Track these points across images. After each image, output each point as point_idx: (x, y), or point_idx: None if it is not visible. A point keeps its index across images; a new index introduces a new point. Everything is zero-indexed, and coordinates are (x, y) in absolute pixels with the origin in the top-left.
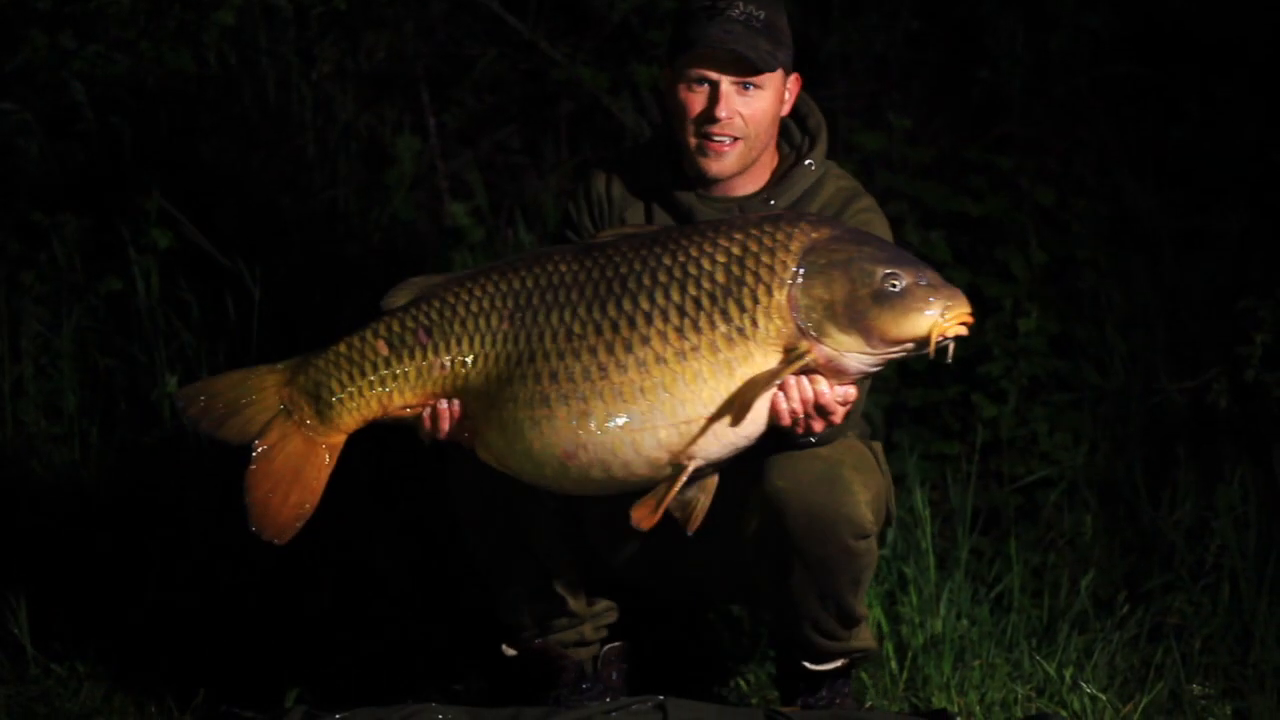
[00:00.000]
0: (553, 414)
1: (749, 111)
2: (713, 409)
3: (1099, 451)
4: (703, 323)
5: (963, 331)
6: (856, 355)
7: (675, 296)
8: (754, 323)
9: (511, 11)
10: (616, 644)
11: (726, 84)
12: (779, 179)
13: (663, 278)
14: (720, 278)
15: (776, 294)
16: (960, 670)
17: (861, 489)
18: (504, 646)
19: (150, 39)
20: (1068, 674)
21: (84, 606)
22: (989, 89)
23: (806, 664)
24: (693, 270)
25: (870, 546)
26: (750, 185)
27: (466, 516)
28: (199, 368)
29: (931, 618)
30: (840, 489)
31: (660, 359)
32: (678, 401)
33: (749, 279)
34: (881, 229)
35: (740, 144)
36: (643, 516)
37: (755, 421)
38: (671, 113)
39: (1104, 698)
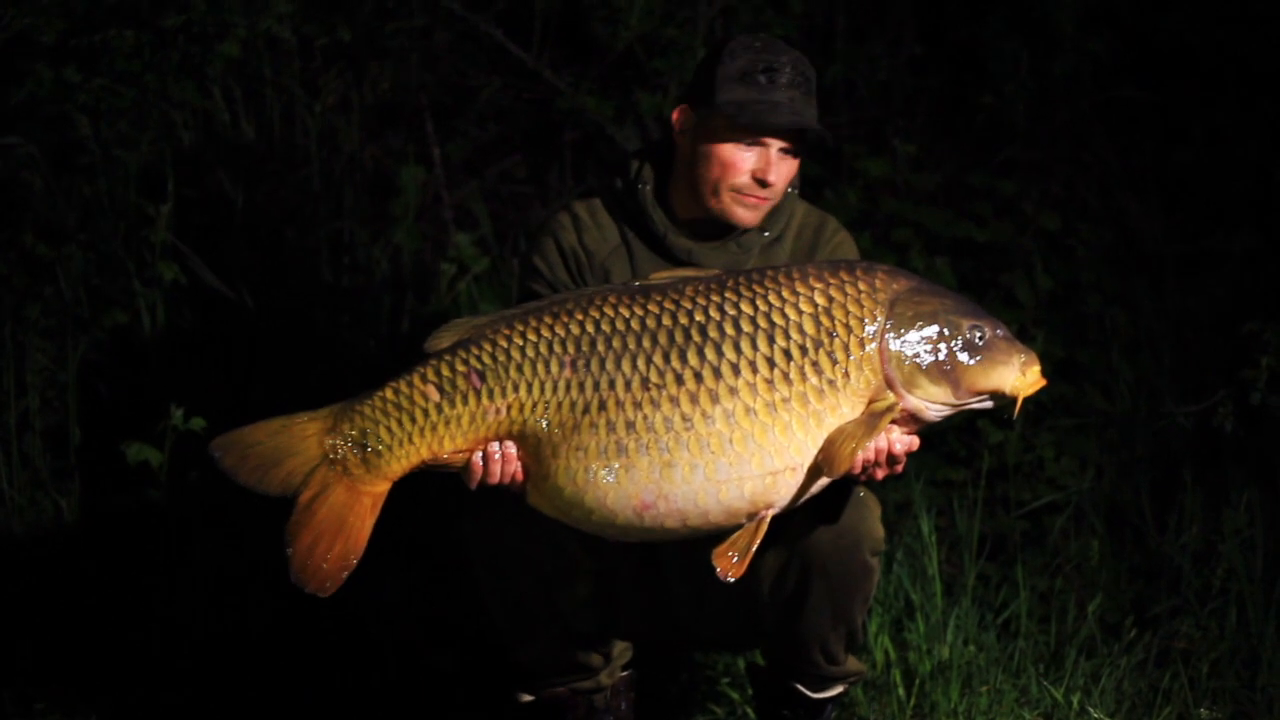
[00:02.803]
0: (632, 464)
1: (785, 174)
2: (799, 460)
3: (1105, 476)
4: (794, 375)
5: (1040, 386)
6: (939, 406)
7: (763, 348)
8: (846, 375)
9: (515, 41)
10: (625, 674)
11: (776, 149)
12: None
13: (746, 327)
14: (809, 329)
15: (869, 346)
16: (968, 697)
17: (875, 506)
18: (519, 694)
19: (155, 72)
20: (1075, 699)
21: (91, 639)
22: (992, 114)
23: (808, 693)
24: (778, 320)
25: (879, 564)
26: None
27: (491, 578)
28: (205, 401)
29: (938, 644)
30: (860, 507)
31: (750, 411)
32: (766, 453)
33: (840, 331)
34: (852, 250)
35: (769, 203)
36: (729, 567)
37: (833, 471)
38: (701, 157)
39: None
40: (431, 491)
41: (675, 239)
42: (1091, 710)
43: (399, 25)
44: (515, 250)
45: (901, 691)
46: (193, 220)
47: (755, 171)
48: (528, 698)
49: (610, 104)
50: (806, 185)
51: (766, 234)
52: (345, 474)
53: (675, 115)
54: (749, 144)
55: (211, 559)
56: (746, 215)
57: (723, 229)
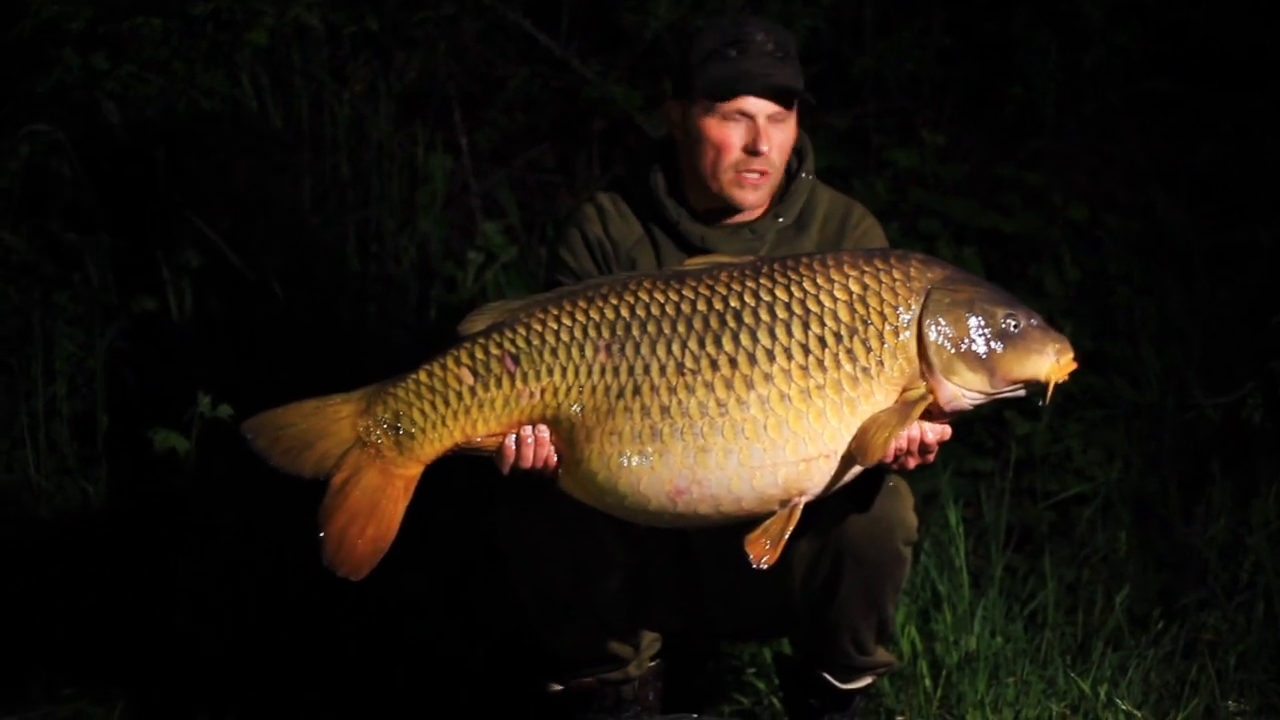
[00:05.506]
0: (667, 449)
1: (779, 142)
2: (833, 447)
3: (1133, 468)
4: (828, 361)
5: (1072, 370)
6: (974, 394)
7: (798, 334)
8: (880, 362)
9: (543, 30)
10: (653, 664)
11: (763, 118)
12: (780, 196)
13: (781, 313)
14: (844, 316)
15: (903, 334)
16: (995, 688)
17: (908, 495)
18: (549, 684)
19: (183, 59)
20: (1102, 691)
21: (117, 629)
22: (1021, 105)
23: (836, 683)
24: (813, 307)
25: (911, 554)
26: (756, 208)
27: (523, 568)
28: (232, 388)
29: (966, 635)
30: (893, 495)
31: (785, 396)
32: (800, 439)
33: (875, 318)
34: (878, 235)
35: (770, 176)
36: (761, 554)
37: (866, 459)
38: (695, 145)
39: (1139, 714)
40: (459, 483)
41: (689, 225)
42: (1119, 702)
43: (427, 14)
44: (543, 239)
45: (928, 682)
46: (220, 207)
47: (746, 144)
48: (557, 687)
49: (638, 93)
50: (835, 175)
51: (780, 219)
52: (378, 456)
53: (666, 113)
54: (734, 119)
55: (238, 546)
56: (748, 196)
57: (734, 214)
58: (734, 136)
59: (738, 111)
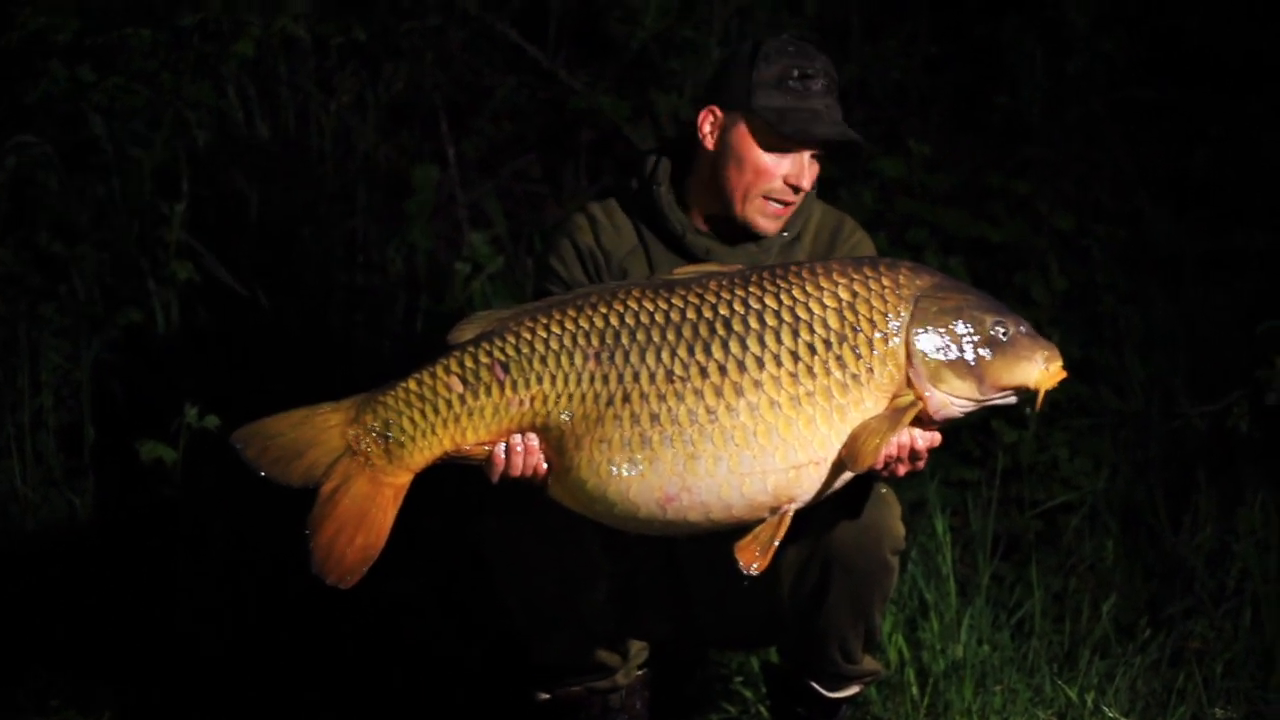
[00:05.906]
0: (656, 456)
1: (813, 177)
2: (823, 454)
3: (1119, 476)
4: (818, 369)
5: (1061, 378)
6: (964, 401)
7: (788, 341)
8: (870, 369)
9: (530, 40)
10: (641, 673)
11: (809, 155)
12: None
13: (771, 321)
14: (834, 323)
15: (893, 341)
16: (982, 696)
17: (896, 504)
18: (536, 693)
19: (170, 70)
20: (1090, 699)
21: (105, 636)
22: (1007, 114)
23: (824, 692)
24: (803, 314)
25: (898, 563)
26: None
27: (511, 578)
28: (219, 399)
29: (953, 643)
30: (882, 504)
31: (774, 404)
32: (790, 447)
33: (864, 326)
34: (870, 249)
35: (792, 209)
36: (751, 561)
37: (856, 465)
38: (731, 161)
39: None
40: (448, 493)
41: (694, 239)
42: (1106, 710)
43: (414, 24)
44: (530, 250)
45: (915, 691)
46: (207, 219)
47: (789, 177)
48: (545, 696)
49: (625, 104)
50: (822, 186)
51: (785, 234)
52: (367, 465)
53: (703, 117)
54: (783, 150)
55: (226, 557)
56: (769, 224)
57: (741, 233)
58: (779, 167)
59: (792, 146)
